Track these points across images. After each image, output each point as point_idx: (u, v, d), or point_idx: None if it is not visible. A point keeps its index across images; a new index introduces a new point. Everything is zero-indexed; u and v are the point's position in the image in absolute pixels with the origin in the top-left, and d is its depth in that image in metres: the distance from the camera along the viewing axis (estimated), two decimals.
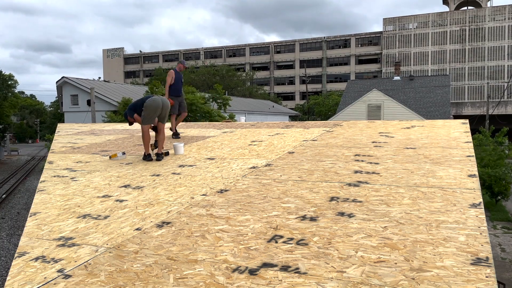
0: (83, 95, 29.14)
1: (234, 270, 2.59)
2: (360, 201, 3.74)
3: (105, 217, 3.83)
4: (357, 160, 5.34)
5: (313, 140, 7.02)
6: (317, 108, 55.58)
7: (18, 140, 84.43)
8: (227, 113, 27.96)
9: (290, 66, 78.10)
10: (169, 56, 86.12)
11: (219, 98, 27.93)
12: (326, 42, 76.09)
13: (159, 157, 6.40)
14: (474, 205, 3.48)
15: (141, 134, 6.55)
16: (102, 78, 64.23)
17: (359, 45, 73.83)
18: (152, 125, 6.57)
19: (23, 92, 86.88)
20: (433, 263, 2.52)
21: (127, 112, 6.71)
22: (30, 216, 4.07)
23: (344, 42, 75.43)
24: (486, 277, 2.33)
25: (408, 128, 7.59)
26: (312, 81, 72.61)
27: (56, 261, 2.93)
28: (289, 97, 77.49)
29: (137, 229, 3.44)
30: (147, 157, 6.38)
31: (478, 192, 3.84)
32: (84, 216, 3.91)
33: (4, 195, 23.71)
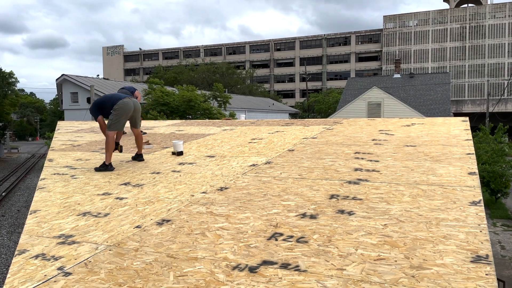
0: (83, 92, 29.12)
1: (234, 268, 2.59)
2: (360, 199, 3.74)
3: (105, 215, 3.83)
4: (357, 158, 5.34)
5: (313, 138, 7.01)
6: (317, 105, 55.59)
7: (18, 138, 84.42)
8: (227, 111, 27.98)
9: (290, 64, 78.06)
10: (169, 54, 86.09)
11: (219, 96, 27.97)
12: (326, 40, 76.02)
13: (141, 158, 6.11)
14: (474, 203, 3.48)
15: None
16: (101, 76, 64.19)
17: (359, 43, 73.78)
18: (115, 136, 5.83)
19: (22, 90, 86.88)
20: (433, 260, 2.52)
21: (91, 111, 5.97)
22: (30, 213, 4.07)
23: (344, 40, 75.37)
24: (486, 274, 2.34)
25: (408, 125, 7.59)
26: (312, 79, 72.58)
27: (56, 259, 2.94)
28: (289, 94, 77.47)
29: (137, 226, 3.44)
30: (107, 167, 5.59)
31: (478, 189, 3.84)
32: (84, 214, 3.91)
33: (4, 193, 23.73)
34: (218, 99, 27.94)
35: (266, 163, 5.39)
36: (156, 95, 22.64)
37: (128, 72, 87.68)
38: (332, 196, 3.87)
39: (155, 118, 19.96)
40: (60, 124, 11.32)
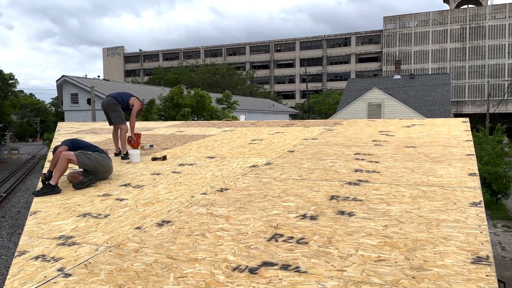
0: (83, 94, 29.15)
1: (234, 269, 2.58)
2: (361, 200, 3.73)
3: (105, 216, 3.83)
4: (358, 159, 5.33)
5: (313, 139, 7.01)
6: (317, 106, 55.56)
7: (19, 139, 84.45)
8: (235, 115, 28.59)
9: (291, 65, 78.07)
10: (169, 55, 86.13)
11: (228, 101, 28.90)
12: (327, 41, 76.05)
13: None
14: (474, 204, 3.48)
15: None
16: (102, 77, 64.24)
17: (360, 44, 73.79)
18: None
19: (22, 91, 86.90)
20: (433, 261, 2.51)
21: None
22: (30, 215, 4.07)
23: (344, 41, 75.39)
24: (487, 275, 2.33)
25: (408, 126, 7.58)
26: (313, 80, 72.59)
27: (56, 260, 2.93)
28: (290, 95, 77.47)
29: (137, 228, 3.44)
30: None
31: (478, 190, 3.84)
32: (84, 215, 3.91)
33: (5, 194, 23.72)
34: (225, 103, 28.76)
35: (266, 164, 5.39)
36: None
37: (128, 73, 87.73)
38: (332, 197, 3.86)
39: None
40: (60, 125, 11.31)
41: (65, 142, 5.39)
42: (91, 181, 5.02)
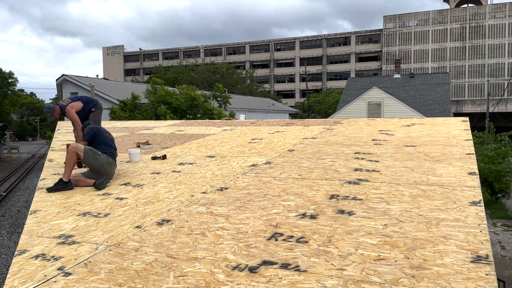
0: (83, 93, 29.09)
1: (234, 268, 2.59)
2: (360, 199, 3.74)
3: (105, 215, 3.83)
4: (357, 158, 5.33)
5: (313, 138, 7.01)
6: (317, 106, 55.61)
7: (18, 138, 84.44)
8: (228, 111, 28.04)
9: (290, 64, 78.10)
10: (169, 54, 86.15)
11: (219, 96, 28.06)
12: (326, 40, 76.06)
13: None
14: (474, 203, 3.48)
15: (138, 133, 6.52)
16: (101, 76, 64.24)
17: (359, 43, 73.81)
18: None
19: (22, 90, 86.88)
20: (433, 260, 2.52)
21: None
22: (30, 214, 4.07)
23: (344, 40, 75.42)
24: (486, 274, 2.33)
25: (408, 126, 7.59)
26: (312, 79, 72.63)
27: (56, 259, 2.94)
28: (289, 95, 77.52)
29: (137, 227, 3.44)
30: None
31: (478, 190, 3.84)
32: (84, 214, 3.91)
33: (5, 193, 23.71)
34: (218, 99, 28.02)
35: (266, 163, 5.39)
36: (159, 94, 22.84)
37: (128, 73, 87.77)
38: (332, 196, 3.86)
39: (164, 114, 20.43)
40: (60, 124, 11.31)
41: (88, 136, 5.29)
42: (106, 179, 5.02)
